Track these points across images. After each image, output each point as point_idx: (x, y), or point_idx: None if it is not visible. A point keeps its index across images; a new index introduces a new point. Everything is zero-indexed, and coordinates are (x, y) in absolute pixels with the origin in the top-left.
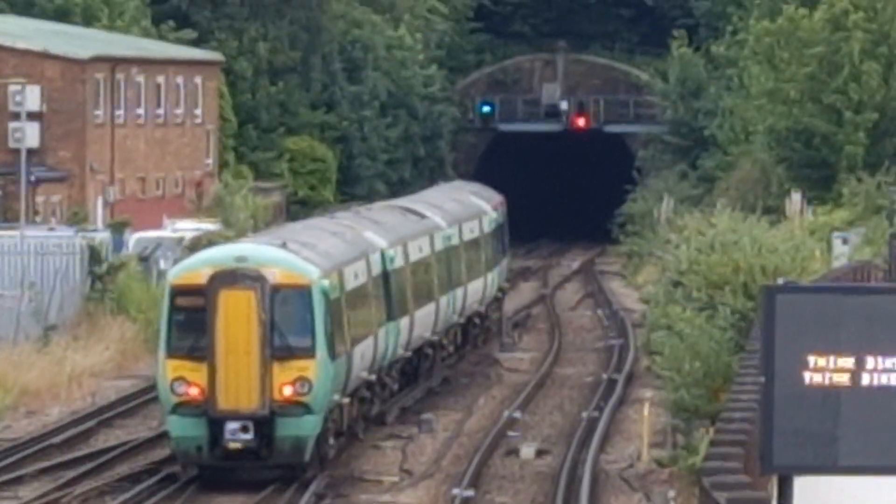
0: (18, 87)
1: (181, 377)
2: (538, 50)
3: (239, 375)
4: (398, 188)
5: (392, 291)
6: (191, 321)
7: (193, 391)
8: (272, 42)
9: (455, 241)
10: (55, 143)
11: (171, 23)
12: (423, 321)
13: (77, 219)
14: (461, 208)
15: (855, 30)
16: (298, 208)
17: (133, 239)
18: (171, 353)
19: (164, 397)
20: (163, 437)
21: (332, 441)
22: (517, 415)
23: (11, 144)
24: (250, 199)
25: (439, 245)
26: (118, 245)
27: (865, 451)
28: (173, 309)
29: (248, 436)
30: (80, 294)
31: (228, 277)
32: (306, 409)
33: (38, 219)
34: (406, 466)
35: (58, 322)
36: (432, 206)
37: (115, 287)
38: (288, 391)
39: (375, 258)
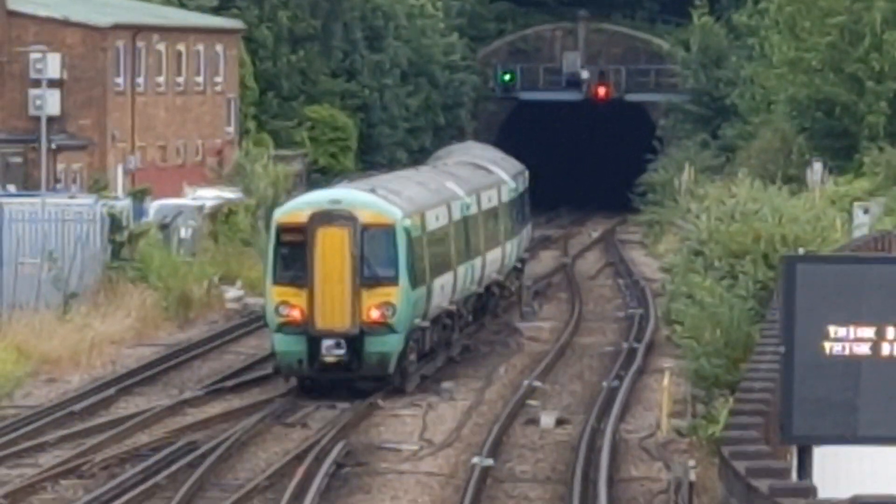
0: (39, 55)
1: (285, 301)
2: (559, 18)
3: (334, 300)
4: (419, 157)
5: (469, 234)
6: (293, 254)
7: (295, 313)
8: (293, 10)
9: (513, 194)
10: (76, 111)
11: None
12: (492, 263)
13: (98, 186)
14: (504, 164)
15: None
16: (319, 177)
17: (153, 207)
18: (277, 280)
19: (269, 318)
20: (183, 404)
21: (413, 358)
22: (537, 384)
23: (32, 112)
24: (271, 167)
25: (504, 197)
26: (139, 213)
27: (885, 421)
28: (279, 244)
29: (341, 351)
30: (101, 262)
31: (325, 217)
32: (390, 329)
33: (58, 186)
34: (426, 435)
35: (78, 290)
36: (492, 162)
37: (135, 255)
38: (375, 313)
39: (455, 205)
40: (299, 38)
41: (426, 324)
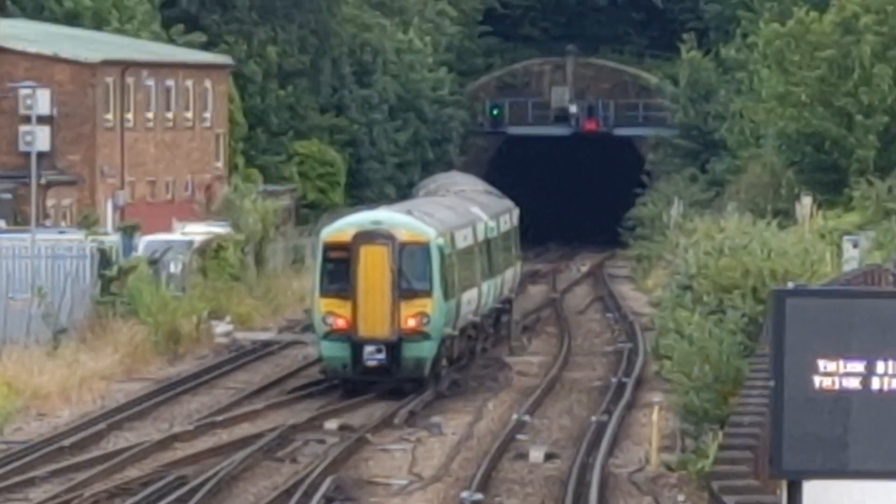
0: (29, 91)
1: (331, 311)
2: (548, 53)
3: (375, 310)
4: (407, 192)
5: (491, 254)
6: (338, 269)
7: (340, 322)
8: (282, 45)
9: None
10: (65, 147)
11: (181, 26)
12: (508, 281)
13: (87, 222)
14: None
15: (866, 33)
16: (308, 212)
17: (143, 242)
18: (324, 293)
19: (317, 327)
20: (173, 438)
21: (444, 363)
22: (526, 418)
23: (22, 148)
24: (259, 202)
25: (515, 221)
26: (128, 248)
27: (875, 455)
28: (325, 260)
29: (382, 356)
30: (91, 297)
31: (367, 236)
32: (425, 336)
33: (48, 222)
34: (415, 470)
35: (68, 325)
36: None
37: (125, 290)
38: (412, 322)
39: (480, 227)
40: (288, 74)
41: (455, 333)
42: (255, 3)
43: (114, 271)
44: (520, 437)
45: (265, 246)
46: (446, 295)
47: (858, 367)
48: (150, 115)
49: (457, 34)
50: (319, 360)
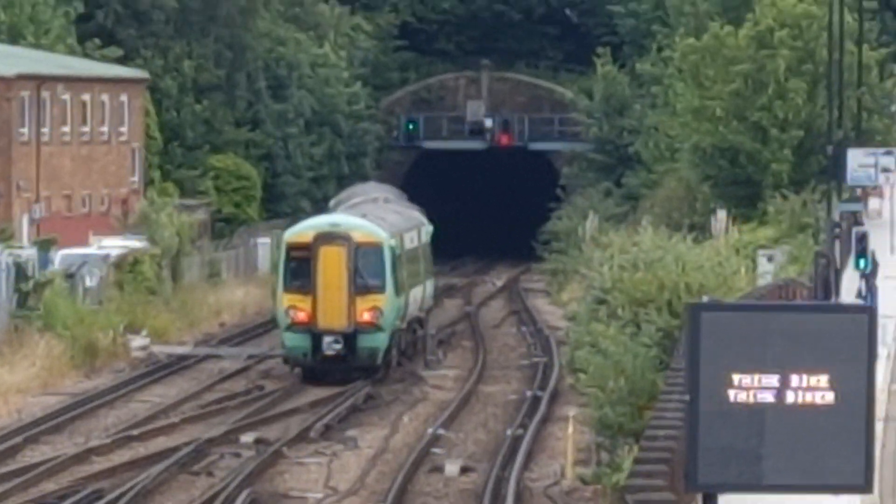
0: None
1: (293, 305)
2: (463, 67)
3: (333, 304)
4: (323, 206)
5: (429, 256)
6: (300, 267)
7: (301, 315)
8: (197, 60)
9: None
10: None
11: (97, 41)
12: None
13: (3, 236)
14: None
15: (780, 47)
16: (223, 226)
17: (59, 256)
18: (287, 289)
19: (280, 319)
20: (89, 452)
21: (394, 353)
22: (441, 432)
23: None
24: (175, 216)
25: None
26: (44, 262)
27: (790, 469)
28: (288, 259)
29: (339, 346)
30: (7, 311)
31: (327, 237)
32: (378, 328)
33: None
34: (331, 483)
35: None
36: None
37: (41, 304)
38: (366, 316)
39: (423, 230)
40: (203, 88)
41: (404, 326)
42: (170, 18)
43: (30, 285)
44: (435, 450)
45: (181, 260)
46: (397, 291)
47: (773, 380)
48: (65, 129)
49: (372, 49)
50: (282, 348)
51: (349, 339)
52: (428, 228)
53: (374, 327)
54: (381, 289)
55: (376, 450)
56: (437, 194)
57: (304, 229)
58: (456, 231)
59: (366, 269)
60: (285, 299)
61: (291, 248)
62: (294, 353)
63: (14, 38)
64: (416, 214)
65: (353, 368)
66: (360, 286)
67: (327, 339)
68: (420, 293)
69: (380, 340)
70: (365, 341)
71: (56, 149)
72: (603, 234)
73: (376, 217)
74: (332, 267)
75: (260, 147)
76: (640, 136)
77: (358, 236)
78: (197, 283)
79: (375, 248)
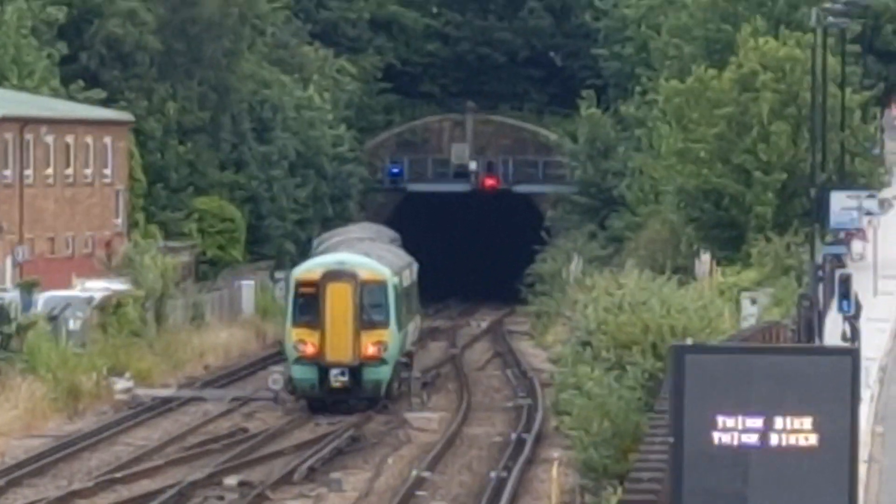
0: None
1: (302, 339)
2: (447, 110)
3: (340, 338)
4: (307, 248)
5: (416, 293)
6: (308, 303)
7: (310, 349)
8: (181, 102)
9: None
10: None
11: (81, 82)
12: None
13: None
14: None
15: (764, 90)
16: (207, 268)
17: (42, 298)
18: (295, 323)
19: (289, 353)
20: (72, 495)
21: (395, 384)
22: (426, 474)
23: None
24: (159, 258)
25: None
26: (27, 304)
27: None
28: (297, 295)
29: (345, 378)
30: None
31: (334, 275)
32: (383, 361)
33: None
34: None
35: None
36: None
37: (24, 346)
38: (371, 350)
39: (414, 268)
40: (188, 130)
41: (405, 359)
42: (154, 60)
43: (13, 327)
44: (419, 493)
45: (165, 302)
46: (399, 326)
47: (757, 422)
48: (49, 171)
49: (356, 91)
50: (290, 381)
51: (355, 371)
52: (415, 266)
53: (379, 360)
54: (385, 324)
55: (360, 492)
56: (422, 237)
57: (312, 267)
58: (440, 273)
59: (371, 305)
60: (294, 333)
61: (300, 284)
62: (302, 384)
63: None
64: (405, 254)
65: (358, 399)
66: (365, 321)
67: (334, 372)
68: (413, 328)
69: (383, 373)
70: (370, 374)
71: (40, 191)
72: (587, 277)
73: (378, 255)
74: (338, 303)
75: (244, 189)
76: (624, 178)
77: (363, 274)
78: (181, 325)
79: (380, 285)
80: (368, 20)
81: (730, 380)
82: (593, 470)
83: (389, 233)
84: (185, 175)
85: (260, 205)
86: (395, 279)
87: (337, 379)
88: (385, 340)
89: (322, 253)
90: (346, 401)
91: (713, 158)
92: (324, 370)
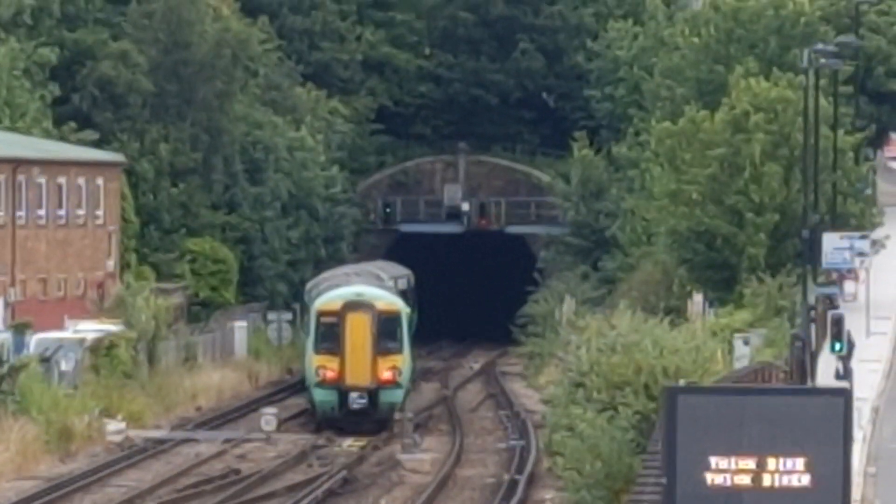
0: None
1: (323, 365)
2: (439, 151)
3: (358, 364)
4: (299, 290)
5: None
6: (329, 331)
7: (330, 374)
8: (174, 143)
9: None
10: None
11: (73, 124)
12: None
13: None
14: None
15: (756, 131)
16: (200, 309)
17: (34, 340)
18: (317, 350)
19: (310, 378)
20: None
21: (406, 405)
22: None
23: None
24: (152, 300)
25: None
26: (19, 346)
27: None
28: (318, 324)
29: (364, 401)
30: None
31: (353, 305)
32: (397, 385)
33: None
34: None
35: None
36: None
37: (16, 388)
38: (387, 374)
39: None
40: (180, 172)
41: (411, 384)
42: (147, 101)
43: (4, 369)
44: None
45: (157, 344)
46: (411, 353)
47: (750, 463)
48: (41, 212)
49: (349, 132)
50: (312, 406)
51: (372, 394)
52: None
53: (394, 384)
54: (399, 350)
55: None
56: (415, 278)
57: (332, 298)
58: (433, 314)
59: (386, 333)
60: (315, 360)
61: (321, 314)
62: (323, 407)
63: None
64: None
65: (374, 421)
66: (381, 348)
67: (353, 395)
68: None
69: (398, 396)
70: (386, 396)
71: (32, 232)
72: (580, 318)
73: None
74: (357, 331)
75: (236, 230)
76: (616, 219)
77: (380, 305)
78: (173, 366)
79: (395, 316)
80: (361, 61)
81: (722, 421)
82: None
83: (403, 270)
84: (178, 216)
85: (252, 246)
86: (408, 310)
87: (356, 402)
88: (399, 366)
89: (316, 297)
90: (363, 422)
91: (705, 200)
92: (343, 393)
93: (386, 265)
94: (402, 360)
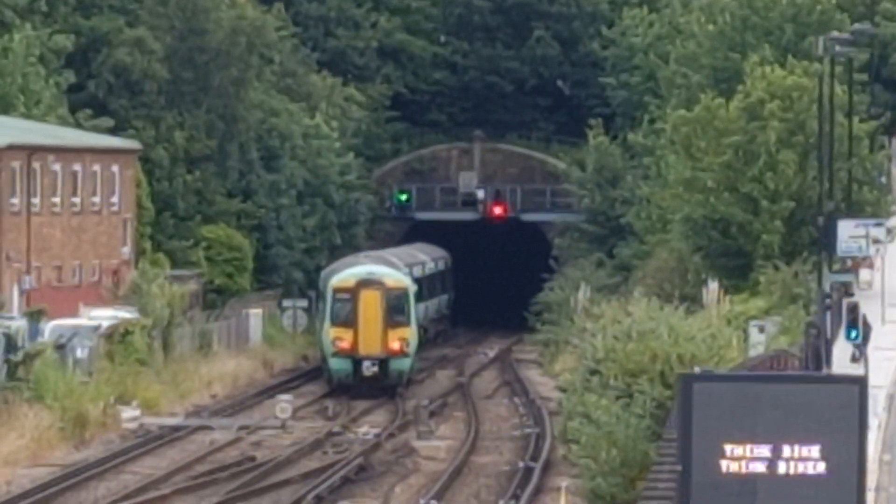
0: None
1: (338, 337)
2: (455, 139)
3: (370, 336)
4: (314, 277)
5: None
6: (343, 306)
7: (345, 344)
8: (189, 130)
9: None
10: None
11: (88, 111)
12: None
13: None
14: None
15: (771, 119)
16: (215, 296)
17: (49, 327)
18: (333, 323)
19: (326, 349)
20: None
21: (414, 373)
22: (433, 503)
23: None
24: (167, 287)
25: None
26: (34, 333)
27: None
28: (334, 300)
29: (375, 368)
30: None
31: (365, 283)
32: (405, 355)
33: None
34: None
35: None
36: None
37: (31, 375)
38: (396, 345)
39: (440, 263)
40: (195, 159)
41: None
42: (162, 88)
43: (20, 356)
44: None
45: (172, 331)
46: (417, 326)
47: (765, 451)
48: (56, 199)
49: (364, 119)
50: (328, 374)
51: (383, 363)
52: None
53: (403, 354)
54: (406, 323)
55: None
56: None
57: (347, 276)
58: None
59: (395, 308)
60: (332, 332)
61: (337, 290)
62: (339, 374)
63: (5, 108)
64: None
65: (385, 386)
66: (391, 322)
67: (366, 364)
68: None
69: (406, 364)
70: (395, 365)
71: (47, 219)
72: (595, 305)
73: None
74: (369, 306)
75: (252, 218)
76: (632, 206)
77: (389, 282)
78: (188, 354)
79: (402, 292)
80: (376, 49)
81: (737, 408)
82: (601, 498)
83: (441, 252)
84: (193, 203)
85: (267, 233)
86: (415, 287)
87: (368, 369)
88: (407, 337)
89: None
90: (374, 388)
91: (721, 187)
92: (357, 362)
93: (425, 247)
94: (410, 332)
